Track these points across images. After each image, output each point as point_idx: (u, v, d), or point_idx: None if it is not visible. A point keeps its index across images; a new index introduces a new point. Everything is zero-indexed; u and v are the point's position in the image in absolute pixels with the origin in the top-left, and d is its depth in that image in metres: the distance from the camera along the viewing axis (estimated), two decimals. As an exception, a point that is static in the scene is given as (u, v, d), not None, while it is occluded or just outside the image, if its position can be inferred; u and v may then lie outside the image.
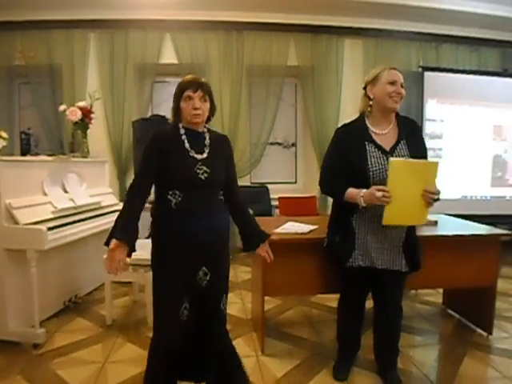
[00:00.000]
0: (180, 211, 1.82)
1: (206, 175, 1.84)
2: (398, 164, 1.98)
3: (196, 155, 1.87)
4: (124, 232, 1.76)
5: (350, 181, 2.11)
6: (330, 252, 2.31)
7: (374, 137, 2.15)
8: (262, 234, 2.10)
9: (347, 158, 2.13)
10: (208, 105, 1.91)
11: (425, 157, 2.19)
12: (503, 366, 2.57)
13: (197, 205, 1.83)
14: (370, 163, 2.08)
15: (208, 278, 1.92)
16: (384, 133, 2.16)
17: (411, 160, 2.06)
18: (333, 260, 2.31)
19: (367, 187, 2.03)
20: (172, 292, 1.86)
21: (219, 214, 1.94)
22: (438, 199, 2.03)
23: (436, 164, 2.03)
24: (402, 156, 2.10)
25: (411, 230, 2.19)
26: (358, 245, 2.17)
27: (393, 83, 2.10)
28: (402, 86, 2.12)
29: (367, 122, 2.20)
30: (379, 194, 1.96)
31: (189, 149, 1.87)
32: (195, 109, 1.84)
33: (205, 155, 1.89)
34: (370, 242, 2.15)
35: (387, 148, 2.12)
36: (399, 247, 2.16)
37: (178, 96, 1.88)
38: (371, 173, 2.07)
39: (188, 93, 1.84)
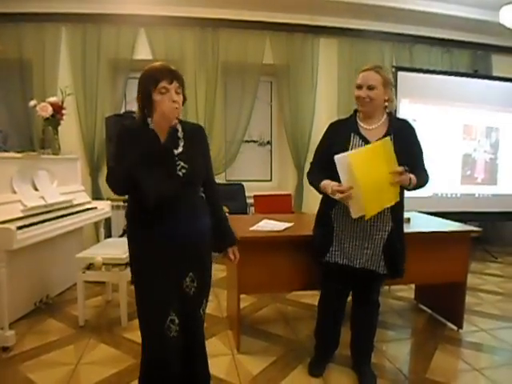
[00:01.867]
0: (158, 212, 1.67)
1: (184, 171, 1.69)
2: (354, 157, 2.00)
3: None
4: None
5: (332, 170, 2.10)
6: (312, 246, 2.32)
7: (361, 130, 2.19)
8: (232, 237, 2.01)
9: (332, 147, 2.15)
10: (181, 97, 1.73)
11: (416, 159, 2.20)
12: (473, 359, 2.65)
13: (176, 204, 1.70)
14: (350, 150, 2.10)
15: (195, 284, 1.81)
16: (371, 128, 2.18)
17: (362, 148, 2.07)
18: (313, 254, 2.32)
19: None
20: (157, 304, 1.71)
21: (201, 213, 1.81)
22: (405, 171, 2.00)
23: (386, 141, 2.02)
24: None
25: (395, 233, 2.17)
26: (336, 240, 2.19)
27: (359, 87, 2.14)
28: (370, 88, 2.10)
29: (358, 117, 2.24)
30: (337, 196, 2.02)
31: None
32: (173, 102, 1.66)
33: (180, 149, 1.72)
34: (347, 238, 2.17)
35: (372, 140, 2.13)
36: (380, 248, 2.16)
37: (150, 87, 1.66)
38: None
39: (163, 84, 1.65)
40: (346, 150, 2.11)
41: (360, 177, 1.97)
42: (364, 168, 1.98)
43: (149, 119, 1.73)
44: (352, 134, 2.17)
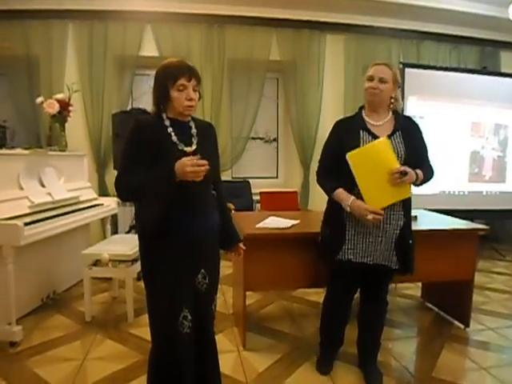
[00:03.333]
0: (171, 210, 1.65)
1: None
2: (354, 155, 2.05)
3: (185, 148, 1.69)
4: (161, 170, 1.60)
5: (342, 168, 2.12)
6: (321, 245, 2.32)
7: (369, 126, 2.19)
8: (237, 236, 2.01)
9: (342, 144, 2.16)
10: (198, 94, 1.73)
11: (422, 154, 2.24)
12: (480, 358, 2.63)
13: (190, 202, 1.68)
14: (361, 147, 2.11)
15: (207, 280, 1.81)
16: (379, 124, 2.19)
17: (363, 147, 2.10)
18: (323, 253, 2.31)
19: None
20: (171, 300, 1.71)
21: (212, 210, 1.82)
22: (405, 173, 2.02)
23: (384, 141, 2.06)
24: (397, 145, 2.12)
25: (407, 228, 2.19)
26: (348, 238, 2.18)
27: (370, 79, 2.16)
28: (382, 81, 2.12)
29: (364, 113, 2.25)
30: (370, 217, 2.03)
31: (177, 142, 1.69)
32: (190, 100, 1.67)
33: (194, 147, 1.72)
34: (361, 235, 2.16)
35: (381, 136, 2.13)
36: (392, 243, 2.16)
37: (169, 83, 1.66)
38: None
39: (182, 81, 1.64)
40: (358, 146, 2.11)
41: (358, 174, 2.04)
42: (363, 165, 2.04)
43: (163, 114, 1.73)
44: (361, 131, 2.17)
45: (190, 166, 1.55)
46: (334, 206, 2.25)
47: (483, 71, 5.60)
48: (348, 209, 2.10)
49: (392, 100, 2.19)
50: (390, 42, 5.57)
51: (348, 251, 2.18)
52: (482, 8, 5.15)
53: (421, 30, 5.56)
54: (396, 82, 2.17)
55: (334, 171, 2.19)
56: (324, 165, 2.31)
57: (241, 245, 2.03)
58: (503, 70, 5.84)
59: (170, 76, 1.66)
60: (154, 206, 1.66)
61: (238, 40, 5.18)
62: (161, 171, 1.61)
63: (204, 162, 1.58)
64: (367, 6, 5.07)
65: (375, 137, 2.13)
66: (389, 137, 2.12)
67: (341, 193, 2.15)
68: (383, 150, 2.05)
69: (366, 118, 2.22)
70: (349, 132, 2.19)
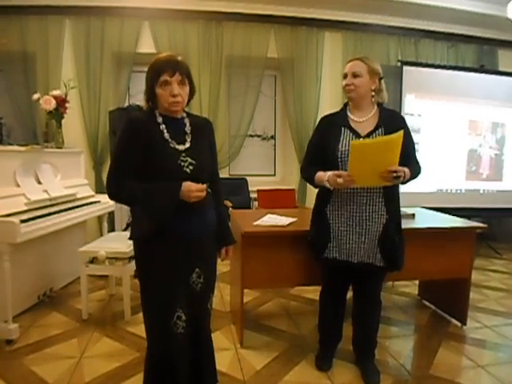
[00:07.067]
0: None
1: (191, 167, 1.65)
2: (358, 146, 1.99)
3: (178, 146, 1.66)
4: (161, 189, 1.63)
5: (324, 164, 2.15)
6: (309, 244, 2.33)
7: (352, 123, 2.19)
8: (231, 238, 1.98)
9: (324, 141, 2.19)
10: (187, 89, 1.68)
11: (408, 150, 2.15)
12: (476, 356, 2.64)
13: (185, 201, 1.63)
14: (340, 144, 2.13)
15: (202, 279, 1.79)
16: (362, 120, 2.19)
17: (371, 140, 2.07)
18: (311, 252, 2.32)
19: (337, 168, 2.10)
20: (164, 300, 1.69)
21: (208, 210, 1.79)
22: (398, 177, 2.00)
23: (399, 136, 1.94)
24: None
25: (390, 224, 2.16)
26: (333, 236, 2.19)
27: (345, 76, 2.19)
28: (355, 76, 2.14)
29: (348, 110, 2.25)
30: (340, 180, 2.01)
31: (169, 139, 1.66)
32: (174, 96, 1.63)
33: (187, 145, 1.69)
34: (345, 234, 2.16)
35: (363, 134, 2.14)
36: (375, 240, 2.15)
37: (153, 80, 1.64)
38: (339, 153, 2.11)
39: (164, 77, 1.61)
40: (337, 142, 2.13)
41: (352, 165, 1.98)
42: (361, 159, 1.96)
43: (156, 111, 1.72)
44: (343, 129, 2.18)
45: (196, 191, 1.61)
46: (318, 204, 2.28)
47: (481, 69, 5.61)
48: (328, 184, 2.09)
49: (373, 93, 2.19)
50: (389, 40, 5.56)
51: (334, 249, 2.20)
52: (481, 6, 5.14)
53: (419, 28, 5.55)
54: (374, 73, 2.16)
55: (320, 167, 2.19)
56: (308, 161, 2.33)
57: (228, 248, 1.99)
58: (501, 69, 5.84)
59: (154, 73, 1.65)
60: (151, 216, 1.67)
61: (236, 37, 5.15)
62: (166, 190, 1.62)
63: (204, 186, 1.65)
64: (365, 4, 5.05)
65: (357, 134, 2.14)
66: (370, 134, 2.12)
67: (319, 174, 2.16)
68: (394, 145, 1.96)
69: (350, 115, 2.22)
70: (331, 129, 2.20)
